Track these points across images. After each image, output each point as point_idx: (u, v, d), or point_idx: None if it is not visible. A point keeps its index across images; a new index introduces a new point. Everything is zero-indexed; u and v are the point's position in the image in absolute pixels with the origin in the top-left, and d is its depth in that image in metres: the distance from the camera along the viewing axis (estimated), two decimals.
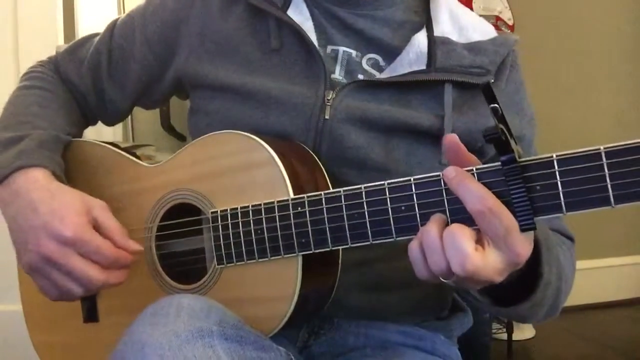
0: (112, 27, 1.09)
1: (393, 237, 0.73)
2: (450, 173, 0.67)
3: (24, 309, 1.08)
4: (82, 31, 1.98)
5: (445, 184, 0.69)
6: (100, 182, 1.00)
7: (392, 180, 0.73)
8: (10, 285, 1.23)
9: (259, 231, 0.82)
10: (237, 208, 0.84)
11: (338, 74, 0.95)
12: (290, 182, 0.81)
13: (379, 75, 0.95)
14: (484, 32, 0.98)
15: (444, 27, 0.96)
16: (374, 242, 0.74)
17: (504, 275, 0.67)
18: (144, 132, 1.97)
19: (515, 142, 0.65)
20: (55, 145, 0.97)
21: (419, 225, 0.70)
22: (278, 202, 0.81)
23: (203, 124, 0.97)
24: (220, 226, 0.85)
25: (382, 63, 0.96)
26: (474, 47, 0.95)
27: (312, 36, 0.95)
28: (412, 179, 0.71)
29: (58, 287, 0.87)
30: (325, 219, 0.77)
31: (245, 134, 0.86)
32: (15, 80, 1.86)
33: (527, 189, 0.63)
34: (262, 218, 0.81)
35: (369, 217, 0.74)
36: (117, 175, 0.99)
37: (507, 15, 2.33)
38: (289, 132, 0.92)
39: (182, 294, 0.89)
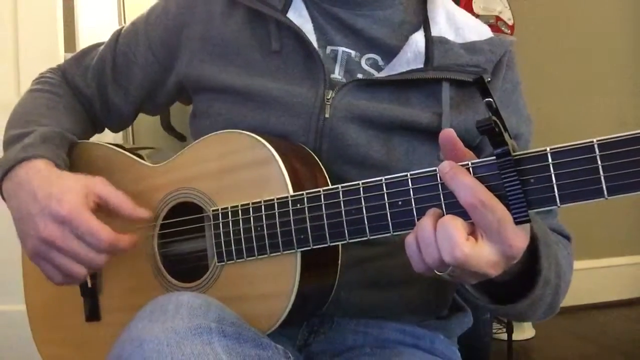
0: (117, 35, 1.12)
1: (390, 232, 0.73)
2: (445, 167, 0.68)
3: (28, 308, 1.09)
4: (82, 39, 1.99)
5: (441, 178, 0.70)
6: None
7: (389, 176, 0.74)
8: (10, 285, 1.24)
9: (259, 228, 0.83)
10: (237, 206, 0.85)
11: (337, 74, 0.97)
12: (290, 179, 0.82)
13: (377, 75, 0.96)
14: (480, 32, 1.00)
15: (441, 27, 0.98)
16: (371, 237, 0.75)
17: (498, 269, 0.68)
18: (144, 133, 1.97)
19: (510, 137, 0.66)
20: (60, 142, 0.99)
21: (416, 220, 0.71)
22: (278, 199, 0.81)
23: (205, 126, 0.98)
24: (220, 224, 0.86)
25: (380, 63, 0.98)
26: (470, 47, 0.96)
27: (312, 37, 0.97)
28: (408, 175, 0.72)
29: (61, 269, 0.88)
30: (324, 215, 0.78)
31: (246, 132, 0.87)
32: (16, 90, 1.88)
33: (522, 181, 0.64)
34: (262, 215, 0.82)
35: (366, 213, 0.75)
36: (122, 175, 1.01)
37: (507, 15, 2.34)
38: (290, 131, 0.93)
39: (181, 291, 0.89)
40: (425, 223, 0.68)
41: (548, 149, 0.63)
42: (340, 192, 0.77)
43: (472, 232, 0.67)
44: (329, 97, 0.93)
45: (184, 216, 0.93)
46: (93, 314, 1.01)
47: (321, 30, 0.99)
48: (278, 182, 0.83)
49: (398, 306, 0.96)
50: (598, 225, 2.74)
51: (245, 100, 0.96)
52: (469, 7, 2.26)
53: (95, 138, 1.16)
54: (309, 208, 0.79)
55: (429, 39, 0.96)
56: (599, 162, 0.61)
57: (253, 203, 0.83)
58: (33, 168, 0.91)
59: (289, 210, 0.80)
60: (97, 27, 2.04)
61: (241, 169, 0.87)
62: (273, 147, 0.84)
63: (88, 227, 0.85)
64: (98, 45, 1.15)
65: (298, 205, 0.80)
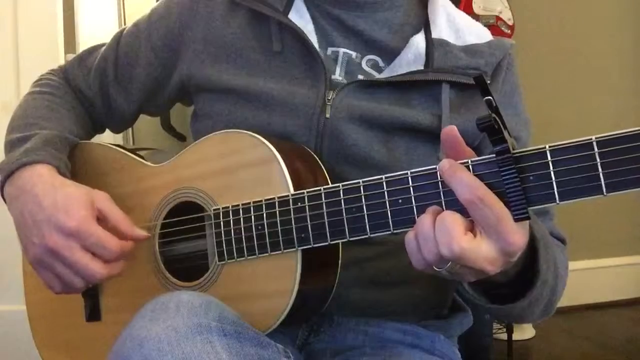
0: (119, 35, 1.12)
1: (390, 230, 0.74)
2: (444, 165, 0.69)
3: (28, 308, 1.10)
4: (82, 40, 1.99)
5: (440, 177, 0.70)
6: (106, 182, 1.01)
7: (389, 174, 0.74)
8: (10, 285, 1.24)
9: (260, 227, 0.83)
10: (238, 205, 0.85)
11: (338, 75, 0.97)
12: (292, 179, 0.83)
13: (378, 76, 0.97)
14: (480, 35, 1.01)
15: (441, 29, 0.99)
16: (372, 235, 0.75)
17: (496, 266, 0.68)
18: (144, 133, 1.97)
19: (510, 134, 0.66)
20: (62, 145, 0.99)
21: (416, 217, 0.71)
22: (279, 197, 0.82)
23: (207, 126, 0.98)
24: (222, 223, 0.87)
25: (381, 64, 0.99)
26: (470, 50, 0.97)
27: (313, 38, 0.98)
28: (408, 173, 0.73)
29: (61, 279, 0.88)
30: (325, 214, 0.78)
31: (248, 132, 0.88)
32: (16, 91, 1.88)
33: (521, 179, 0.65)
34: (263, 214, 0.83)
35: (367, 211, 0.75)
36: (123, 175, 1.01)
37: (507, 15, 2.34)
38: (291, 131, 0.93)
39: (182, 290, 0.89)
40: (425, 219, 0.69)
41: (547, 146, 0.64)
42: (341, 191, 0.77)
43: (471, 229, 0.68)
44: (329, 98, 0.94)
45: (185, 216, 0.93)
46: (93, 314, 1.01)
47: (322, 31, 1.00)
48: (279, 181, 0.83)
49: (398, 305, 0.96)
50: (598, 225, 2.74)
51: (247, 101, 0.96)
52: (469, 8, 2.26)
53: (95, 139, 1.17)
54: (309, 207, 0.79)
55: (429, 41, 0.97)
56: (598, 159, 0.61)
57: (254, 202, 0.84)
58: (35, 173, 0.92)
59: (289, 209, 0.81)
60: (97, 28, 2.04)
61: (242, 169, 0.87)
62: (274, 146, 0.85)
63: (98, 238, 0.86)
64: (100, 46, 1.15)
65: (299, 204, 0.80)
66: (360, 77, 0.97)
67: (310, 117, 0.93)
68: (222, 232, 0.86)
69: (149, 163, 1.00)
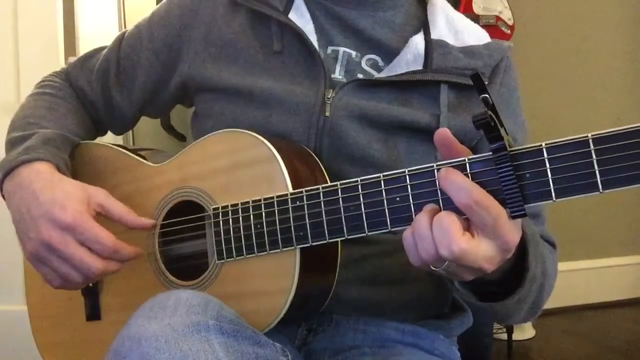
0: (121, 37, 1.13)
1: (388, 228, 0.74)
2: (440, 173, 0.69)
3: (28, 308, 1.10)
4: (82, 42, 2.00)
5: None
6: (107, 181, 1.02)
7: (387, 173, 0.74)
8: (10, 285, 1.24)
9: (259, 225, 0.83)
10: (237, 204, 0.86)
11: (338, 74, 0.98)
12: (290, 178, 0.83)
13: (377, 75, 0.97)
14: (479, 37, 1.02)
15: (440, 30, 0.99)
16: (369, 233, 0.75)
17: (494, 264, 0.68)
18: (144, 134, 1.98)
19: (507, 133, 0.66)
20: (62, 144, 1.00)
21: (413, 215, 0.71)
22: (277, 196, 0.82)
23: (207, 126, 0.99)
24: (221, 222, 0.87)
25: (380, 63, 0.99)
26: (468, 51, 0.98)
27: (313, 38, 0.98)
28: (406, 171, 0.73)
29: (59, 274, 0.88)
30: (323, 212, 0.78)
31: (247, 131, 0.88)
32: (16, 92, 1.88)
33: (517, 176, 0.65)
34: (261, 213, 0.83)
35: (365, 209, 0.75)
36: (123, 175, 1.02)
37: (507, 15, 2.34)
38: (291, 130, 0.94)
39: (181, 289, 0.90)
40: (422, 218, 0.69)
41: (543, 144, 0.64)
42: (339, 189, 0.77)
43: (468, 228, 0.68)
44: (329, 97, 0.94)
45: (184, 215, 0.94)
46: (93, 313, 1.02)
47: (322, 30, 1.01)
48: (278, 180, 0.83)
49: (396, 304, 0.96)
50: (598, 225, 2.74)
51: (247, 100, 0.97)
52: (469, 8, 2.26)
53: (95, 139, 1.17)
54: (308, 205, 0.80)
55: (428, 41, 0.98)
56: (594, 157, 0.61)
57: (253, 201, 0.84)
58: (34, 170, 0.92)
59: (288, 208, 0.81)
60: (97, 30, 2.04)
61: (242, 168, 0.87)
62: (274, 146, 0.85)
63: (93, 233, 0.86)
64: (102, 48, 1.16)
65: (297, 202, 0.80)
66: (360, 76, 0.98)
67: (310, 116, 0.94)
68: (222, 231, 0.87)
69: (149, 163, 1.00)
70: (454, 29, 1.01)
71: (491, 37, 1.05)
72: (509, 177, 0.65)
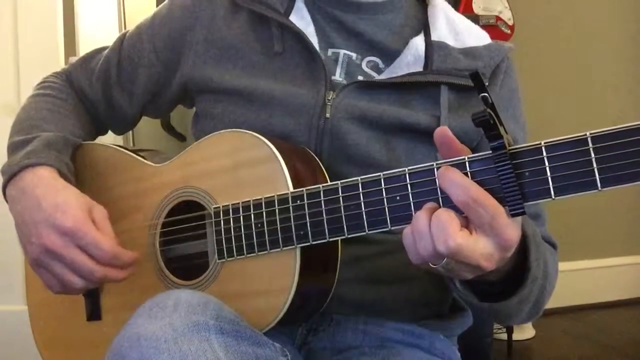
0: (122, 38, 1.13)
1: (388, 227, 0.74)
2: (439, 171, 0.70)
3: (29, 308, 1.10)
4: (82, 42, 2.00)
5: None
6: (109, 182, 1.02)
7: (387, 172, 0.75)
8: (10, 285, 1.24)
9: (259, 225, 0.83)
10: (238, 203, 0.86)
11: (338, 76, 0.98)
12: (291, 178, 0.83)
13: (378, 77, 0.98)
14: (479, 38, 1.02)
15: (440, 32, 1.00)
16: (369, 231, 0.76)
17: (493, 262, 0.69)
18: (144, 134, 1.98)
19: (506, 131, 0.67)
20: (64, 147, 1.00)
21: (413, 214, 0.72)
22: (278, 196, 0.83)
23: (209, 127, 0.99)
24: (222, 221, 0.87)
25: (381, 65, 1.00)
26: (469, 52, 0.98)
27: (314, 40, 0.99)
28: (406, 170, 0.73)
29: (60, 279, 0.89)
30: (323, 211, 0.79)
31: (248, 132, 0.89)
32: (16, 93, 1.88)
33: (516, 175, 0.65)
34: (262, 212, 0.83)
35: (365, 208, 0.76)
36: (125, 175, 1.02)
37: (507, 15, 2.35)
38: (292, 131, 0.94)
39: (182, 289, 0.90)
40: (421, 216, 0.69)
41: (542, 142, 0.64)
42: (340, 188, 0.78)
43: (467, 225, 0.68)
44: (329, 98, 0.94)
45: (185, 214, 0.94)
46: (94, 313, 1.02)
47: (323, 33, 1.01)
48: (279, 180, 0.84)
49: (396, 303, 0.96)
50: (598, 225, 2.74)
51: (248, 101, 0.97)
52: (469, 8, 2.27)
53: (96, 140, 1.17)
54: (308, 204, 0.80)
55: (428, 43, 0.98)
56: (593, 155, 0.62)
57: (254, 200, 0.84)
58: (37, 175, 0.93)
59: (289, 207, 0.81)
60: (97, 30, 2.05)
61: (243, 168, 0.88)
62: (275, 146, 0.86)
63: (93, 238, 0.86)
64: (102, 49, 1.16)
65: (298, 201, 0.81)
66: (360, 78, 0.98)
67: (310, 117, 0.94)
68: (222, 230, 0.87)
69: (150, 163, 1.01)
70: (454, 30, 1.01)
71: (491, 37, 1.05)
72: (508, 175, 0.65)
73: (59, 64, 1.93)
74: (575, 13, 2.85)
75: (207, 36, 1.03)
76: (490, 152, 0.67)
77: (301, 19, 1.01)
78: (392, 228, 0.74)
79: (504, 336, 2.27)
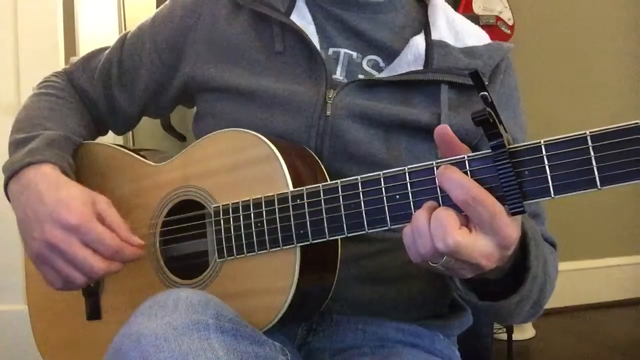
0: (123, 38, 1.14)
1: (388, 225, 0.74)
2: (439, 169, 0.70)
3: (29, 307, 1.10)
4: (82, 42, 2.00)
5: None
6: (109, 181, 1.02)
7: (387, 171, 0.75)
8: (10, 285, 1.24)
9: (259, 224, 0.84)
10: (238, 202, 0.86)
11: (339, 75, 0.99)
12: (291, 177, 0.83)
13: (378, 76, 0.98)
14: (479, 37, 1.02)
15: (441, 31, 1.00)
16: (369, 230, 0.76)
17: (492, 261, 0.69)
18: (144, 134, 1.98)
19: (506, 130, 0.67)
20: (65, 145, 1.00)
21: (413, 213, 0.72)
22: (278, 195, 0.83)
23: (210, 126, 0.99)
24: (222, 220, 0.87)
25: (381, 64, 1.00)
26: (469, 51, 0.99)
27: (314, 39, 0.99)
28: (406, 169, 0.73)
29: (62, 275, 0.89)
30: (323, 210, 0.79)
31: (248, 131, 0.89)
32: (16, 93, 1.88)
33: (516, 173, 0.65)
34: (262, 211, 0.84)
35: (365, 207, 0.76)
36: (125, 174, 1.02)
37: (507, 15, 2.36)
38: (293, 130, 0.94)
39: (181, 288, 0.90)
40: (421, 214, 0.69)
41: (542, 141, 0.65)
42: (339, 187, 0.78)
43: (466, 224, 0.68)
44: (330, 97, 0.95)
45: (186, 214, 0.94)
46: (94, 313, 1.02)
47: (324, 32, 1.01)
48: (279, 179, 0.84)
49: (396, 302, 0.96)
50: (598, 225, 2.74)
51: (249, 100, 0.97)
52: (469, 8, 2.27)
53: (96, 139, 1.17)
54: (308, 203, 0.80)
55: (429, 42, 0.99)
56: (592, 153, 0.62)
57: (253, 199, 0.84)
58: (40, 172, 0.93)
59: (288, 206, 0.81)
60: (97, 30, 2.05)
61: (243, 167, 0.88)
62: (275, 145, 0.86)
63: (97, 234, 0.87)
64: (104, 49, 1.16)
65: (298, 200, 0.81)
66: (361, 76, 0.98)
67: (311, 115, 0.94)
68: (222, 229, 0.87)
69: (150, 162, 1.01)
70: (455, 30, 1.01)
71: (491, 37, 1.05)
72: (508, 173, 0.66)
73: (59, 64, 1.93)
74: (575, 13, 2.85)
75: (209, 36, 1.03)
76: (490, 150, 0.67)
77: (302, 18, 1.01)
78: (392, 227, 0.74)
79: (504, 336, 2.27)
